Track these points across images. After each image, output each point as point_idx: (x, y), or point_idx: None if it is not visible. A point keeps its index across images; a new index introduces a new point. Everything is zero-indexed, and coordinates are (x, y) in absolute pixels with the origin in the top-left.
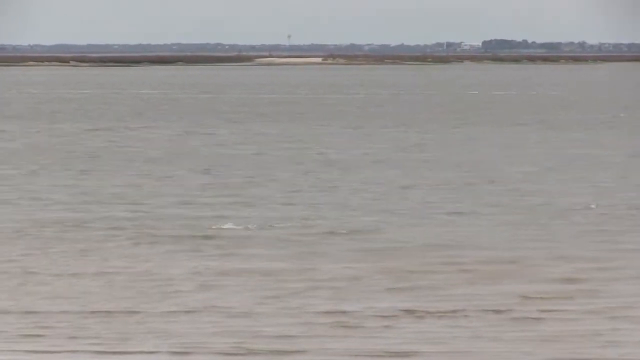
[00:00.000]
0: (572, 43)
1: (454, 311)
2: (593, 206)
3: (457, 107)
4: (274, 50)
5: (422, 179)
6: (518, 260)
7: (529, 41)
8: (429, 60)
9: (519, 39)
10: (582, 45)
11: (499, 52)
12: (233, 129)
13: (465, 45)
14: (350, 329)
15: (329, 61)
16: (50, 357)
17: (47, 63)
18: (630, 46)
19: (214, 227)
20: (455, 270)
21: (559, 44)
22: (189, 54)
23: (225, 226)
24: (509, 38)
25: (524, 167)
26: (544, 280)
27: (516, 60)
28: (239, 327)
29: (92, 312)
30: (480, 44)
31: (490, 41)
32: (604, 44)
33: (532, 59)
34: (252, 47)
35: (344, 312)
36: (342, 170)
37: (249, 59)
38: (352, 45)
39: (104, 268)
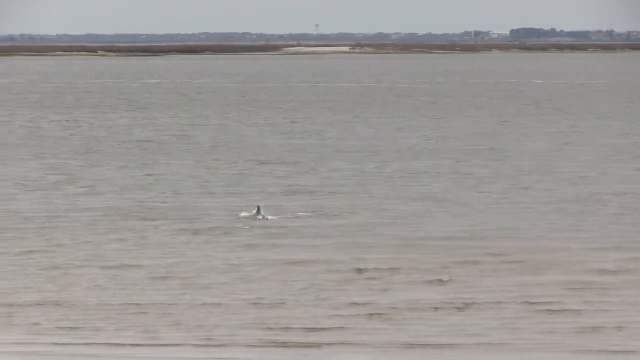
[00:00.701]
0: (600, 32)
1: (494, 303)
2: None
3: (499, 95)
4: (302, 40)
5: (472, 167)
6: (564, 250)
7: (557, 30)
8: (457, 49)
9: (547, 27)
10: (610, 33)
11: (527, 41)
12: (281, 118)
13: (493, 34)
14: (387, 321)
15: (357, 50)
16: (81, 350)
17: (75, 53)
18: None
19: (253, 217)
20: (498, 261)
21: (588, 32)
22: (216, 43)
23: (266, 217)
24: (537, 27)
25: (576, 156)
26: (589, 272)
27: (544, 49)
28: (271, 320)
29: (127, 305)
30: (509, 32)
31: (519, 30)
32: (632, 32)
33: (560, 48)
34: (280, 37)
35: (381, 304)
36: (391, 159)
37: (277, 48)
38: (380, 34)
39: (141, 260)
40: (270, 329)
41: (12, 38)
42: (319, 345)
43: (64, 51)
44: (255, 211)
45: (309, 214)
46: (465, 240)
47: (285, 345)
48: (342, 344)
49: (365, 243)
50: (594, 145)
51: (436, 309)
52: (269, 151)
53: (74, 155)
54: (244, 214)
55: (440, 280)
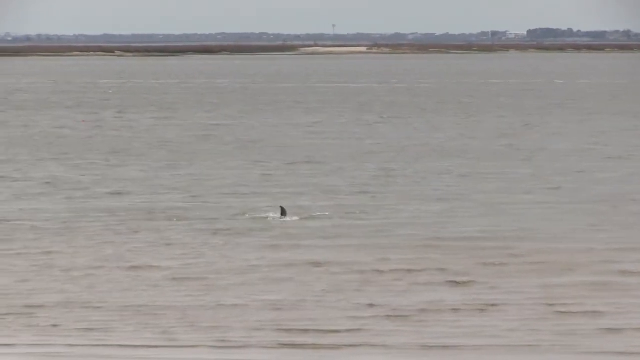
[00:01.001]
0: (617, 32)
1: (515, 304)
2: None
3: (523, 95)
4: (318, 40)
5: (496, 167)
6: (586, 251)
7: (574, 30)
8: (474, 49)
9: (564, 27)
10: (627, 33)
11: (544, 41)
12: (303, 118)
13: (510, 34)
14: (406, 322)
15: (374, 50)
16: (98, 351)
17: (92, 53)
18: None
19: (274, 218)
20: (519, 262)
21: (604, 32)
22: (233, 43)
23: (287, 217)
24: (554, 27)
25: (601, 156)
26: (611, 272)
27: (561, 49)
28: (289, 321)
29: (146, 306)
30: (526, 32)
31: (536, 30)
32: None
33: (577, 48)
34: (297, 37)
35: (401, 306)
36: (415, 159)
37: (293, 48)
38: (397, 34)
39: (160, 261)
40: (288, 330)
41: (28, 38)
42: (337, 347)
43: (81, 51)
44: (279, 213)
45: (331, 214)
46: (486, 241)
47: (303, 346)
48: (361, 345)
49: (386, 244)
50: (619, 145)
51: (456, 310)
52: (292, 151)
53: (98, 155)
54: (269, 215)
55: (460, 281)
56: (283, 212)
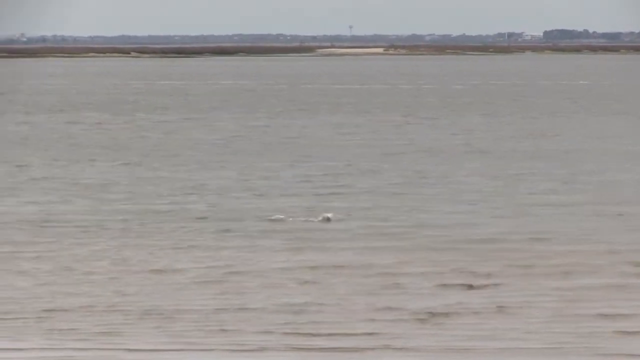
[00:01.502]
0: (632, 33)
1: (536, 306)
2: None
3: (552, 95)
4: (335, 41)
5: (524, 169)
6: (608, 252)
7: (590, 31)
8: (491, 50)
9: (580, 28)
10: None
11: (560, 42)
12: (330, 118)
13: (526, 35)
14: (427, 325)
15: (391, 51)
16: (112, 354)
17: (108, 54)
18: None
19: (295, 219)
20: (541, 264)
21: (619, 33)
22: (250, 44)
23: (310, 218)
24: (569, 28)
25: (631, 157)
26: (635, 275)
27: (577, 50)
28: (309, 324)
29: (164, 309)
30: (542, 34)
31: (552, 31)
32: None
33: (593, 49)
34: (314, 38)
35: (421, 308)
36: (440, 161)
37: (310, 49)
38: (414, 36)
39: (181, 264)
40: (306, 334)
41: (44, 39)
42: (356, 350)
43: (96, 52)
44: (323, 217)
45: (356, 215)
46: (511, 243)
47: (321, 350)
48: (381, 348)
49: (410, 245)
50: None
51: (477, 312)
52: (321, 152)
53: (126, 156)
54: (314, 218)
55: (482, 283)
56: (327, 219)
